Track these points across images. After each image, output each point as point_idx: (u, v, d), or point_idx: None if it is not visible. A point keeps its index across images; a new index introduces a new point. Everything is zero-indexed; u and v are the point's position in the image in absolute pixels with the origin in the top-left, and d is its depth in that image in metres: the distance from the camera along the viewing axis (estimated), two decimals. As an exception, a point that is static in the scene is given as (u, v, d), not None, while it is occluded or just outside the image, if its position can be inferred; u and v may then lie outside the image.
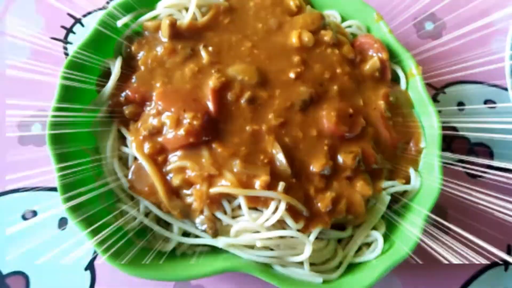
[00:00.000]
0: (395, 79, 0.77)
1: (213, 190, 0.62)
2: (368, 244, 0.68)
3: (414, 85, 0.75)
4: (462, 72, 0.90)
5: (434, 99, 0.89)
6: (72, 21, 0.87)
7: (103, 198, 0.65)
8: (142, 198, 0.65)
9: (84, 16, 0.87)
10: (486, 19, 0.95)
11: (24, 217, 0.73)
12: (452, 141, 0.86)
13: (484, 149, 0.85)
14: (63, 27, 0.86)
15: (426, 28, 0.95)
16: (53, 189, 0.74)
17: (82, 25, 0.86)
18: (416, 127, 0.74)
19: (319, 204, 0.64)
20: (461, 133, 0.86)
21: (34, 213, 0.74)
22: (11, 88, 0.80)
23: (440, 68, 0.90)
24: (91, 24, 0.69)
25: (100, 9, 0.88)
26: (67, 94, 0.65)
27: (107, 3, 0.88)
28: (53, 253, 0.70)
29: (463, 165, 0.83)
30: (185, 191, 0.64)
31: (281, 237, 0.62)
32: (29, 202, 0.74)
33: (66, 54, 0.84)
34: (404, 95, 0.76)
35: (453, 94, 0.89)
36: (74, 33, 0.86)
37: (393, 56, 0.76)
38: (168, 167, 0.65)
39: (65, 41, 0.85)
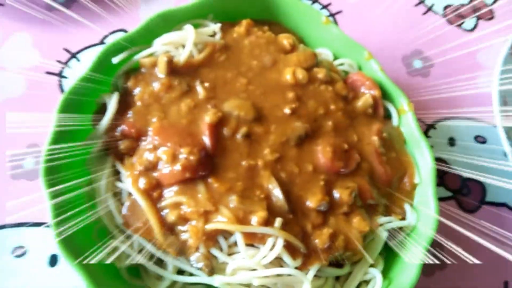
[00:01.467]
0: (388, 115, 0.78)
1: (209, 226, 0.61)
2: (367, 282, 0.67)
3: (406, 121, 0.76)
4: (452, 108, 0.93)
5: (425, 134, 0.89)
6: (68, 55, 0.87)
7: (96, 234, 0.64)
8: (136, 235, 0.63)
9: (80, 51, 0.88)
10: (472, 59, 0.98)
11: (14, 254, 0.71)
12: (444, 175, 0.87)
13: (477, 184, 0.86)
14: (59, 61, 0.86)
15: (414, 66, 0.97)
16: (42, 223, 0.72)
17: (78, 60, 0.87)
18: (410, 163, 0.74)
19: (316, 241, 0.63)
20: (453, 168, 0.87)
21: (24, 250, 0.72)
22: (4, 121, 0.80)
23: (431, 105, 0.93)
24: (87, 59, 0.69)
25: (96, 44, 0.89)
26: (62, 131, 0.65)
27: (104, 39, 0.89)
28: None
29: (457, 199, 0.83)
30: (181, 227, 0.63)
31: (279, 275, 0.60)
32: (17, 237, 0.72)
33: (61, 89, 0.84)
34: (397, 131, 0.77)
35: (444, 130, 0.91)
36: (69, 67, 0.86)
37: (385, 93, 0.77)
38: (163, 203, 0.63)
39: (60, 75, 0.85)
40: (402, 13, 1.01)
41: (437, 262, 0.71)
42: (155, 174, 0.64)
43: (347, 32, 0.79)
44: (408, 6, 1.02)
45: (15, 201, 0.73)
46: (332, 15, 0.99)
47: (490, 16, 1.03)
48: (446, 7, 1.03)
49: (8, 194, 0.74)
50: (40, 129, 0.68)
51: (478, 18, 1.03)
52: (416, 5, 1.03)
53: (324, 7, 1.00)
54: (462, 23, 1.03)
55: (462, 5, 1.04)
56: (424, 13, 1.02)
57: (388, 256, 0.70)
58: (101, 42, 0.89)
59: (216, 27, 0.75)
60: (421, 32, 0.98)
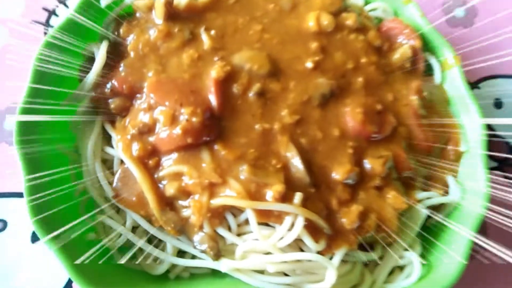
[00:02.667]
0: (429, 71, 0.68)
1: (215, 201, 0.54)
2: (401, 268, 0.59)
3: (451, 77, 0.66)
4: (497, 64, 0.81)
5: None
6: (55, 2, 0.77)
7: (83, 209, 0.56)
8: (129, 210, 0.56)
9: (67, -3, 0.78)
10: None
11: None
12: (489, 143, 0.75)
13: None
14: (45, 9, 0.77)
15: (456, 15, 0.85)
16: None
17: (66, 6, 0.78)
18: (454, 127, 0.65)
19: (343, 220, 0.56)
20: (499, 134, 0.76)
21: (4, 223, 0.64)
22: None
23: (474, 60, 0.80)
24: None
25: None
26: (43, 81, 0.57)
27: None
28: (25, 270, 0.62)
29: (504, 174, 0.72)
30: (181, 202, 0.56)
31: (298, 260, 0.53)
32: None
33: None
34: (439, 89, 0.67)
35: (489, 89, 0.80)
36: (57, 15, 0.77)
37: (426, 43, 0.68)
38: (161, 173, 0.57)
39: (46, 24, 0.76)
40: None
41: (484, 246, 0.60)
42: (151, 138, 0.57)
43: None
44: None
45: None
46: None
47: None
48: None
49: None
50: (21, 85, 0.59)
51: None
52: None
53: None
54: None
55: None
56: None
57: (427, 238, 0.61)
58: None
59: (224, -38, 0.64)
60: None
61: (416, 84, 0.65)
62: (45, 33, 0.75)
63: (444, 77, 0.67)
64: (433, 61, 0.67)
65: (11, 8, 0.76)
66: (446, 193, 0.62)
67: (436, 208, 0.62)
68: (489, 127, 0.77)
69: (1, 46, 0.73)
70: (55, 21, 0.76)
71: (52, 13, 0.77)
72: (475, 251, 0.63)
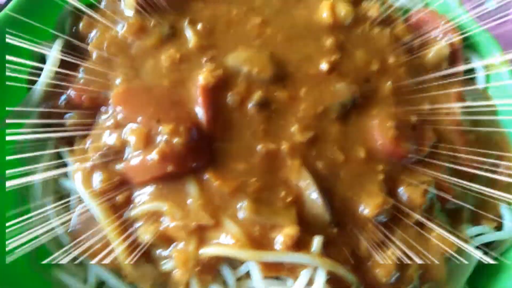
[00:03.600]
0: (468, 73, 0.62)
1: (206, 251, 0.45)
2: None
3: (498, 81, 0.59)
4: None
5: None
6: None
7: (34, 261, 0.48)
8: (91, 263, 0.47)
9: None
10: None
11: None
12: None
13: None
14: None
15: (487, 7, 0.76)
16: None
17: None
18: (505, 142, 0.58)
19: (377, 270, 0.48)
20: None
21: None
22: None
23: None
24: None
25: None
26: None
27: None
28: None
29: None
30: (161, 252, 0.47)
31: (320, 327, 0.43)
32: None
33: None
34: (484, 95, 0.60)
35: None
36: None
37: (466, 39, 0.60)
38: (133, 213, 0.47)
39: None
40: None
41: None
42: (119, 166, 0.48)
43: None
44: None
45: None
46: None
47: None
48: None
49: None
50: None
51: None
52: None
53: None
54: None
55: None
56: None
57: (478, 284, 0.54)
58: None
59: None
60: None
61: (456, 89, 0.57)
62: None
63: (489, 80, 0.60)
64: (476, 61, 0.59)
65: None
66: (499, 225, 0.54)
67: (488, 244, 0.53)
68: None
69: None
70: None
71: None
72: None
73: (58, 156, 0.51)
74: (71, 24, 0.54)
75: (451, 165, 0.54)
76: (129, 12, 0.53)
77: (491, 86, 0.60)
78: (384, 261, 0.47)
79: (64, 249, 0.49)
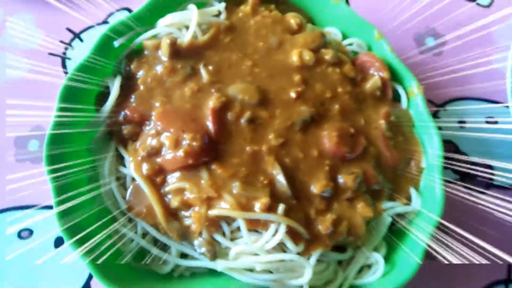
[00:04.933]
0: (396, 98, 0.76)
1: (212, 212, 0.61)
2: (369, 266, 0.67)
3: (415, 104, 0.74)
4: (463, 87, 0.90)
5: (435, 115, 0.88)
6: (71, 36, 0.85)
7: (101, 219, 0.64)
8: (139, 220, 0.64)
9: (83, 31, 0.86)
10: (487, 32, 0.94)
11: (20, 236, 0.72)
12: (452, 158, 0.85)
13: (485, 168, 0.84)
14: (62, 41, 0.85)
15: (427, 44, 0.94)
16: (49, 207, 0.72)
17: (81, 40, 0.86)
18: (417, 146, 0.73)
19: (319, 226, 0.63)
20: (461, 151, 0.85)
21: (30, 232, 0.73)
22: (9, 103, 0.80)
23: (441, 85, 0.90)
24: (90, 39, 0.69)
25: (99, 24, 0.87)
26: (66, 112, 0.65)
27: (107, 18, 0.87)
28: (48, 271, 0.70)
29: (464, 184, 0.82)
30: (184, 213, 0.63)
31: (281, 260, 0.61)
32: (25, 219, 0.73)
33: (65, 70, 0.83)
34: (405, 114, 0.75)
35: (454, 111, 0.89)
36: (72, 48, 0.85)
37: (394, 74, 0.76)
38: (167, 188, 0.64)
39: (64, 56, 0.84)
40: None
41: (442, 247, 0.70)
42: (158, 159, 0.64)
43: (358, 8, 0.77)
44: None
45: (20, 184, 0.73)
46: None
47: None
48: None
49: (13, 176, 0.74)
50: (43, 112, 0.67)
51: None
52: (431, -21, 0.98)
53: (334, -18, 0.96)
54: (478, -3, 0.98)
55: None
56: (439, -13, 0.97)
57: (391, 241, 0.69)
58: (105, 21, 0.87)
59: (221, 6, 0.74)
60: (435, 9, 0.94)
61: (385, 109, 0.73)
62: (63, 63, 0.84)
63: (410, 103, 0.74)
64: (400, 89, 0.75)
65: (30, 41, 0.85)
66: (409, 203, 0.69)
67: (401, 215, 0.69)
68: (453, 144, 0.87)
69: (23, 77, 0.82)
70: (72, 54, 0.84)
71: (69, 45, 0.85)
72: (436, 253, 0.73)
73: (118, 153, 0.67)
74: (126, 65, 0.69)
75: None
76: (164, 58, 0.67)
77: (410, 107, 0.74)
78: (324, 221, 0.62)
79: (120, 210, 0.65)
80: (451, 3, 0.97)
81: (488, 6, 0.98)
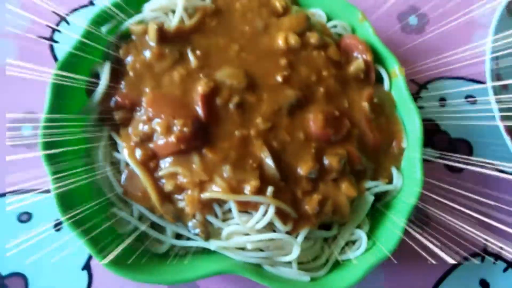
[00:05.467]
0: (379, 79, 0.79)
1: (205, 195, 0.64)
2: (353, 242, 0.71)
3: (397, 85, 0.76)
4: (444, 68, 0.93)
5: (417, 95, 0.91)
6: (58, 19, 0.85)
7: (98, 202, 0.66)
8: (135, 203, 0.67)
9: (69, 13, 0.86)
10: (469, 14, 0.97)
11: (20, 220, 0.74)
12: (433, 136, 0.89)
13: (464, 144, 0.88)
14: (48, 26, 0.85)
15: (410, 23, 0.96)
16: (46, 191, 0.74)
17: (67, 23, 0.86)
18: (399, 127, 0.76)
19: (306, 207, 0.66)
20: (442, 128, 0.89)
21: (29, 215, 0.75)
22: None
23: (423, 64, 0.93)
24: (77, 22, 0.72)
25: (84, 6, 0.87)
26: (57, 100, 0.66)
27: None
28: (48, 253, 0.72)
29: (444, 161, 0.86)
30: (177, 196, 0.66)
31: (271, 239, 0.64)
32: (22, 204, 0.75)
33: (53, 53, 0.83)
34: (388, 96, 0.77)
35: (436, 90, 0.92)
36: (59, 31, 0.85)
37: (377, 56, 0.78)
38: (160, 173, 0.65)
39: (52, 40, 0.84)
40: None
41: (420, 224, 0.74)
42: (151, 145, 0.66)
43: None
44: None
45: (17, 170, 0.75)
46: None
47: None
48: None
49: (9, 162, 0.76)
50: (35, 95, 0.69)
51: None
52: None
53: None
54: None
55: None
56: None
57: (374, 218, 0.73)
58: (90, 3, 0.87)
59: (206, -11, 0.74)
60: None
61: (368, 92, 0.75)
62: (51, 46, 0.84)
63: (392, 84, 0.77)
64: (382, 71, 0.77)
65: (17, 25, 0.84)
66: (390, 182, 0.73)
67: (384, 194, 0.73)
68: (434, 122, 0.90)
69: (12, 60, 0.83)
70: (59, 37, 0.85)
71: (55, 30, 0.85)
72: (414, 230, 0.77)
73: (111, 138, 0.68)
74: (114, 51, 0.69)
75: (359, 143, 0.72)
76: (152, 43, 0.68)
77: (392, 88, 0.77)
78: (310, 201, 0.65)
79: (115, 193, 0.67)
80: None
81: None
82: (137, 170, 0.65)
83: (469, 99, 0.91)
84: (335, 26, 0.80)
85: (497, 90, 0.81)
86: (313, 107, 0.71)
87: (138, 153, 0.66)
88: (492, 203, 0.80)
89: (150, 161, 0.66)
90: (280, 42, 0.72)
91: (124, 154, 0.67)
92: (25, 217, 0.75)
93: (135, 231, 0.67)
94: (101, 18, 0.70)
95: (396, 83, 0.77)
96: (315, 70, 0.73)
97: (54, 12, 0.85)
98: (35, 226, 0.74)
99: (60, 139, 0.65)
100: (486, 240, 0.80)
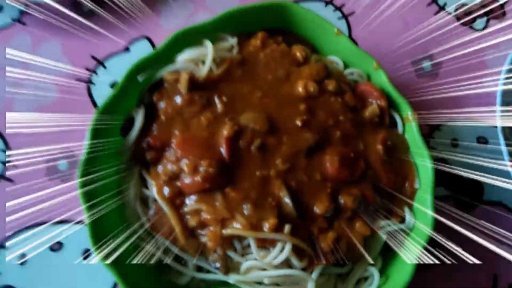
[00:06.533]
0: (393, 123, 0.82)
1: (226, 232, 0.67)
2: (366, 278, 0.74)
3: (410, 129, 0.79)
4: (456, 110, 0.96)
5: (430, 135, 0.94)
6: (95, 63, 0.93)
7: (127, 236, 0.71)
8: (161, 237, 0.71)
9: (106, 58, 0.94)
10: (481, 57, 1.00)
11: (52, 249, 0.80)
12: (445, 175, 0.91)
13: (475, 184, 0.91)
14: (87, 69, 0.92)
15: (424, 68, 1.00)
16: (78, 222, 0.80)
17: (104, 67, 0.93)
18: (411, 169, 0.79)
19: (322, 244, 0.68)
20: (453, 168, 0.91)
21: (60, 244, 0.80)
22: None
23: (436, 106, 0.96)
24: (113, 66, 0.80)
25: (120, 51, 0.94)
26: (95, 141, 0.72)
27: (128, 45, 0.94)
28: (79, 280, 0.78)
29: (455, 198, 0.88)
30: (200, 232, 0.69)
31: (287, 275, 0.68)
32: (55, 234, 0.81)
33: (90, 94, 0.90)
34: (401, 139, 0.80)
35: (448, 131, 0.95)
36: (97, 74, 0.92)
37: (391, 102, 0.81)
38: (185, 209, 0.69)
39: (89, 82, 0.91)
40: (415, 13, 1.02)
41: (432, 260, 0.77)
42: (178, 183, 0.70)
43: (358, 33, 0.86)
44: (420, 6, 1.04)
45: (54, 201, 0.80)
46: (345, 16, 1.02)
47: (501, 14, 1.04)
48: (458, 7, 1.04)
49: (45, 194, 0.82)
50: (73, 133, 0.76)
51: (489, 17, 1.04)
52: (429, 4, 1.04)
53: (338, 8, 1.03)
54: (474, 21, 1.04)
55: (475, 4, 1.05)
56: (436, 13, 1.03)
57: (387, 255, 0.75)
58: (126, 49, 0.94)
59: (233, 41, 0.80)
60: (431, 33, 1.00)
61: (382, 135, 0.78)
62: (88, 89, 0.92)
63: (405, 128, 0.80)
64: (396, 116, 0.80)
65: (57, 67, 0.91)
66: (403, 221, 0.76)
67: (396, 232, 0.75)
68: (447, 162, 0.93)
69: (52, 102, 0.90)
70: (96, 80, 0.91)
71: (93, 72, 0.92)
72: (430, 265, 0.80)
73: (142, 176, 0.73)
74: (148, 97, 0.74)
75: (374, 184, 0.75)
76: (183, 90, 0.72)
77: (406, 132, 0.80)
78: (325, 239, 0.69)
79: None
80: (448, 27, 1.02)
81: (482, 29, 1.03)
82: (164, 206, 0.69)
83: (481, 140, 0.94)
84: (351, 73, 0.84)
85: (507, 133, 0.84)
86: (329, 149, 0.73)
87: (166, 190, 0.70)
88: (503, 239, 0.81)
89: (177, 198, 0.70)
90: (300, 89, 0.75)
91: (153, 191, 0.71)
92: (56, 246, 0.80)
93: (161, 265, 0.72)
94: (139, 67, 0.75)
95: (409, 127, 0.80)
96: (332, 115, 0.75)
97: (92, 57, 0.92)
98: (65, 255, 0.79)
99: (96, 176, 0.71)
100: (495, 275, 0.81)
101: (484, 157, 0.91)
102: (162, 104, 0.74)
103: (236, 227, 0.67)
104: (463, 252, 0.79)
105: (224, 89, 0.75)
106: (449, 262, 0.76)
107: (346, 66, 0.86)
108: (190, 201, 0.70)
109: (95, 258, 0.67)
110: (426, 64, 1.01)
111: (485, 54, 1.01)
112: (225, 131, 0.70)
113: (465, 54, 1.00)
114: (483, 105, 0.96)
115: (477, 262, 0.75)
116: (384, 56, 0.93)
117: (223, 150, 0.71)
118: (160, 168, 0.72)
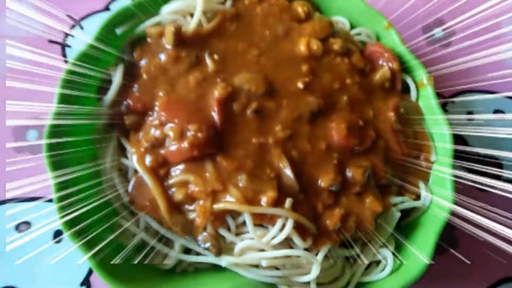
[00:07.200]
0: (405, 89, 0.75)
1: (217, 206, 0.60)
2: (377, 262, 0.66)
3: (424, 95, 0.73)
4: (471, 79, 0.89)
5: (443, 108, 0.85)
6: (71, 23, 0.84)
7: (101, 211, 0.62)
8: (142, 214, 0.63)
9: (84, 18, 0.84)
10: (496, 29, 0.93)
11: (18, 229, 0.71)
12: (460, 151, 0.83)
13: (494, 162, 0.83)
14: (62, 31, 0.83)
15: (435, 35, 0.92)
16: (49, 200, 0.71)
17: (81, 28, 0.84)
18: (427, 140, 0.72)
19: (327, 221, 0.62)
20: (470, 145, 0.84)
21: (28, 225, 0.71)
22: (7, 93, 0.78)
23: (450, 77, 0.88)
24: (91, 27, 0.67)
25: (100, 11, 0.85)
26: (66, 102, 0.63)
27: (108, 4, 0.85)
28: (47, 266, 0.69)
29: (473, 178, 0.80)
30: (188, 207, 0.62)
31: (288, 256, 0.60)
32: (23, 212, 0.72)
33: (65, 58, 0.81)
34: (415, 106, 0.74)
35: (463, 103, 0.88)
36: (73, 36, 0.83)
37: (403, 65, 0.74)
38: (170, 181, 0.62)
39: (64, 43, 0.82)
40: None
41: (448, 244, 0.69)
42: (162, 151, 0.63)
43: None
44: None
45: (19, 176, 0.71)
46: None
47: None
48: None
49: (12, 167, 0.73)
50: (42, 102, 0.65)
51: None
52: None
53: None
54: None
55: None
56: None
57: (401, 235, 0.68)
58: (106, 8, 0.86)
59: (226, -7, 0.72)
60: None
61: (394, 101, 0.71)
62: (63, 51, 0.82)
63: (419, 95, 0.73)
64: (409, 81, 0.73)
65: (30, 28, 0.82)
66: (418, 198, 0.68)
67: (410, 210, 0.68)
68: (462, 138, 0.85)
69: (23, 65, 0.80)
70: (72, 42, 0.83)
71: (68, 35, 0.83)
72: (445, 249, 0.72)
73: (120, 144, 0.65)
74: (128, 54, 0.67)
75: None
76: (168, 46, 0.65)
77: (420, 98, 0.73)
78: (332, 216, 0.61)
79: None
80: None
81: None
82: (146, 177, 0.62)
83: (498, 114, 0.86)
84: (359, 34, 0.77)
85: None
86: (335, 115, 0.67)
87: (148, 159, 0.63)
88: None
89: (160, 168, 0.63)
90: (302, 47, 0.69)
91: (133, 160, 0.63)
92: (23, 227, 0.71)
93: (142, 246, 0.64)
94: (117, 20, 0.67)
95: (423, 93, 0.73)
96: (338, 78, 0.70)
97: (68, 16, 0.83)
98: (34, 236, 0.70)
99: (66, 143, 0.62)
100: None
101: (502, 131, 0.84)
102: (144, 62, 0.67)
103: (229, 200, 0.60)
104: (480, 233, 0.72)
105: (216, 46, 0.68)
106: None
107: (352, 27, 0.79)
108: (176, 172, 0.62)
109: (66, 240, 0.59)
110: (438, 32, 0.93)
111: (502, 22, 0.93)
112: (217, 92, 0.63)
113: (478, 20, 0.92)
114: (498, 77, 0.89)
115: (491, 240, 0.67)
116: (394, 21, 0.84)
117: (214, 114, 0.63)
118: (141, 134, 0.65)
